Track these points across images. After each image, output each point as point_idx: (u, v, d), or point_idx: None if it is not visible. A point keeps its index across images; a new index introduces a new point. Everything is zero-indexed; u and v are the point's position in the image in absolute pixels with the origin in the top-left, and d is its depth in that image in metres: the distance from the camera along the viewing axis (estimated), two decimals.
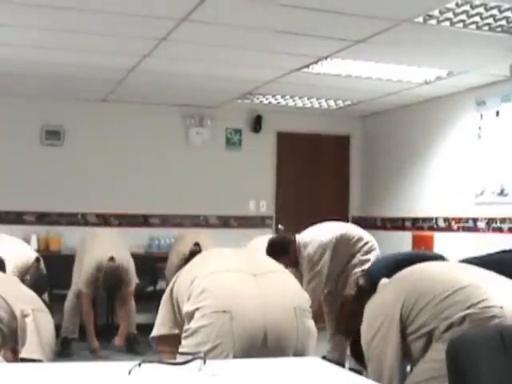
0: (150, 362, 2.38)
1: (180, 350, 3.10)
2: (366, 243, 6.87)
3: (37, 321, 3.66)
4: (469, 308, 3.34)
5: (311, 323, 3.30)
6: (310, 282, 6.61)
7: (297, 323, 3.19)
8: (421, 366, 3.46)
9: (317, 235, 6.85)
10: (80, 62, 7.70)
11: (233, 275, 3.29)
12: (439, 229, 9.15)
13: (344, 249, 6.81)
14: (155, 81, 8.66)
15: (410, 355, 3.57)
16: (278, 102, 9.99)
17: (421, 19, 5.88)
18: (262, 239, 7.54)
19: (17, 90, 9.31)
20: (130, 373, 2.28)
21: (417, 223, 9.66)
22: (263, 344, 3.08)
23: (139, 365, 2.32)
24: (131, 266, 8.05)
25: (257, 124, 10.63)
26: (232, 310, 3.05)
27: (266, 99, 9.81)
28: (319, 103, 9.98)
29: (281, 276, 3.46)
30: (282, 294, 3.28)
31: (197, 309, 3.10)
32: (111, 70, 8.10)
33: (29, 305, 3.72)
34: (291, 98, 9.66)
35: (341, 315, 4.81)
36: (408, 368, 3.75)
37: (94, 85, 8.94)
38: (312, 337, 3.29)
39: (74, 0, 5.71)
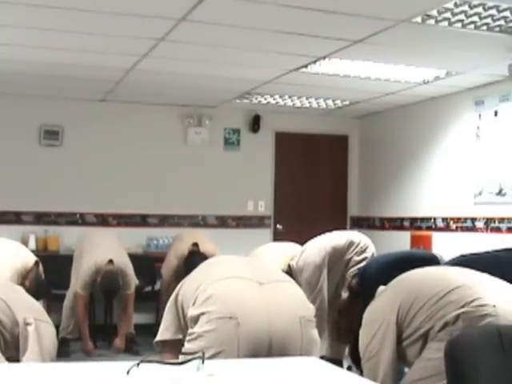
0: (149, 361, 2.38)
1: (182, 351, 3.09)
2: (358, 244, 6.86)
3: (39, 330, 3.67)
4: (463, 307, 3.38)
5: (315, 333, 3.31)
6: (314, 303, 6.58)
7: (302, 332, 3.19)
8: (416, 366, 3.48)
9: (309, 257, 6.82)
10: (78, 61, 7.70)
11: (239, 282, 3.28)
12: (438, 229, 9.15)
13: (339, 259, 6.81)
14: (153, 81, 8.66)
15: (405, 359, 3.59)
16: (277, 102, 9.99)
17: (419, 19, 5.88)
18: (268, 247, 7.54)
19: (15, 89, 9.31)
20: (128, 373, 2.28)
21: (415, 223, 9.66)
22: (268, 352, 3.06)
23: (137, 365, 2.32)
24: (129, 268, 8.02)
25: (255, 124, 10.63)
26: (238, 317, 3.03)
27: (265, 99, 9.81)
28: (317, 103, 9.98)
29: (287, 285, 3.46)
30: (288, 303, 3.28)
31: (202, 313, 3.08)
32: (110, 70, 8.10)
33: (32, 314, 3.73)
34: (289, 97, 9.66)
35: (338, 327, 4.87)
36: (406, 370, 3.76)
37: (92, 85, 8.94)
38: (316, 346, 3.29)
39: (74, 0, 5.72)
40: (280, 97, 9.63)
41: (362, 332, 3.70)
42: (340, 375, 2.54)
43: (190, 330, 3.13)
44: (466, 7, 5.53)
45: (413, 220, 9.72)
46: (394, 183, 10.22)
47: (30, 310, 3.80)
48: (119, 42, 6.91)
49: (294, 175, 10.91)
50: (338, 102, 9.93)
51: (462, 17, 5.76)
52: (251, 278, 3.31)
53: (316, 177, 11.01)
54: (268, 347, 3.06)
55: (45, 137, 9.80)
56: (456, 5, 5.49)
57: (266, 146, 10.76)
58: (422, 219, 9.51)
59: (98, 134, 9.96)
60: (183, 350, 3.11)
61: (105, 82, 8.75)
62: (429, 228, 9.35)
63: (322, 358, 4.13)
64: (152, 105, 10.06)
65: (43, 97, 9.61)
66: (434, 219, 9.22)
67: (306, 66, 7.73)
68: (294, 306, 3.30)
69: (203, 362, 2.37)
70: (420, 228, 9.53)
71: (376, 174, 10.71)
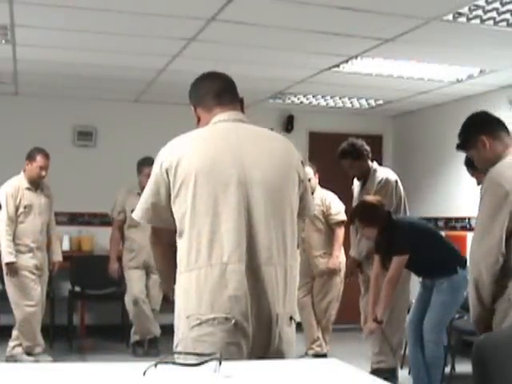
0: (165, 362, 2.37)
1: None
2: None
3: None
4: None
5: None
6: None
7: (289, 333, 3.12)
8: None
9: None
10: (111, 62, 7.75)
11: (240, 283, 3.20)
12: (472, 229, 9.04)
13: None
14: (185, 81, 8.64)
15: None
16: (310, 102, 9.97)
17: (450, 17, 5.82)
18: None
19: (48, 90, 9.38)
20: (144, 373, 2.26)
21: (450, 223, 9.57)
22: (265, 354, 2.98)
23: (155, 365, 2.31)
24: None
25: (288, 124, 10.63)
26: (235, 316, 2.94)
27: (298, 99, 9.79)
28: (351, 102, 9.94)
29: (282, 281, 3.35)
30: (288, 303, 3.16)
31: (200, 314, 2.99)
32: (142, 71, 8.13)
33: None
34: (323, 97, 9.63)
35: None
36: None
37: (125, 85, 8.98)
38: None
39: (106, 2, 5.76)
40: (313, 96, 9.61)
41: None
42: (362, 377, 2.49)
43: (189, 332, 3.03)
44: (497, 4, 5.47)
45: (447, 220, 9.62)
46: (428, 182, 10.13)
47: None
48: (151, 43, 6.94)
49: (327, 175, 10.85)
50: (372, 102, 9.88)
51: (493, 14, 5.70)
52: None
53: (349, 176, 10.94)
54: (266, 347, 2.98)
55: (79, 138, 9.87)
56: (487, 2, 5.42)
57: (300, 145, 10.70)
58: (457, 219, 9.41)
59: (132, 135, 9.98)
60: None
61: (137, 82, 8.78)
62: (463, 228, 9.25)
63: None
64: (185, 105, 10.01)
65: (77, 98, 9.67)
66: (469, 219, 9.13)
67: (338, 66, 7.70)
68: (289, 305, 3.17)
69: (220, 363, 2.34)
70: (454, 228, 9.43)
71: (409, 174, 10.62)
